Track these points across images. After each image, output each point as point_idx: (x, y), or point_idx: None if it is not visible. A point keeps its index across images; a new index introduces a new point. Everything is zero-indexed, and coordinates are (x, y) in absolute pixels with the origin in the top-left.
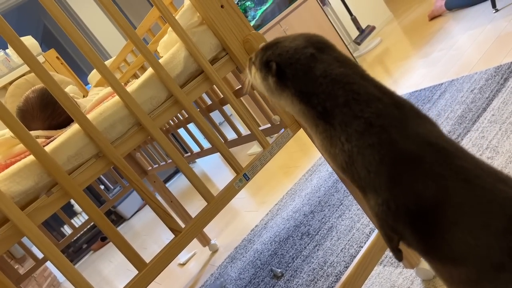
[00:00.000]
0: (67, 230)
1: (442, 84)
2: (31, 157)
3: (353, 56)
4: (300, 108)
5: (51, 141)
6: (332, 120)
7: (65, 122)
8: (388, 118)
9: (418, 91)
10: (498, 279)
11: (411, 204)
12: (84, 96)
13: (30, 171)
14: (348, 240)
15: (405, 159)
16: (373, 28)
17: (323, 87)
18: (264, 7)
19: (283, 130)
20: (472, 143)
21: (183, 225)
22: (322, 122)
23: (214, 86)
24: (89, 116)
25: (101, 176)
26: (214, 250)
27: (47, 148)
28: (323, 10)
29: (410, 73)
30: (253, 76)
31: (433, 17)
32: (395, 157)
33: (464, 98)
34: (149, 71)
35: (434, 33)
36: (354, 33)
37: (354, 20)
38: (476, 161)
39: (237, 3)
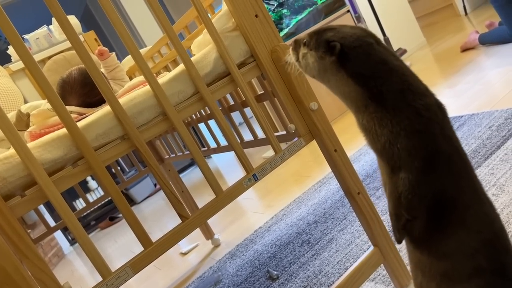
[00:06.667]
0: (78, 205)
1: (462, 116)
2: (63, 130)
3: None
4: (354, 89)
5: (83, 118)
6: (386, 103)
7: (97, 102)
8: (434, 113)
9: None
10: (470, 282)
11: (437, 192)
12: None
13: (61, 142)
14: (346, 254)
15: (442, 153)
16: (405, 51)
17: (381, 73)
18: (299, 17)
19: (296, 138)
20: (481, 178)
21: (190, 214)
22: (374, 104)
23: (238, 88)
24: (121, 101)
25: (119, 158)
26: (216, 245)
27: (79, 124)
28: None
29: None
30: (302, 56)
31: (465, 49)
32: (435, 149)
33: (481, 134)
34: (181, 66)
35: (463, 65)
36: None
37: (387, 41)
38: (478, 179)
39: (274, 10)
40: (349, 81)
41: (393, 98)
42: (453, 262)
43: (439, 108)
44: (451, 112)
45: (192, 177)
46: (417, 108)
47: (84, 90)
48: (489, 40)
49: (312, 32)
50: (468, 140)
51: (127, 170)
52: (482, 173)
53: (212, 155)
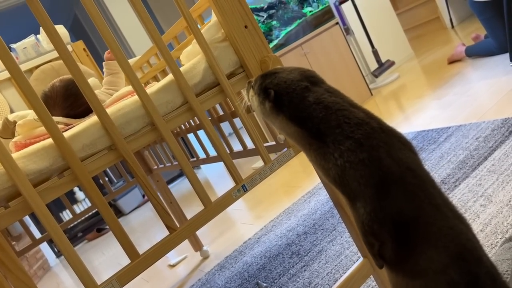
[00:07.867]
0: (65, 216)
1: (450, 127)
2: (49, 140)
3: (368, 87)
4: (295, 130)
5: (69, 128)
6: (325, 139)
7: (82, 113)
8: (376, 139)
9: (426, 131)
10: None
11: (395, 215)
12: None
13: (47, 153)
14: (335, 265)
15: (391, 176)
16: (393, 63)
17: (317, 113)
18: (289, 28)
19: (285, 149)
20: (469, 189)
21: (178, 226)
22: (316, 141)
23: (228, 98)
24: (108, 111)
25: (107, 169)
26: (205, 257)
27: (66, 134)
28: (346, 39)
29: (421, 112)
30: (250, 98)
31: (452, 61)
32: (382, 174)
33: (468, 145)
34: (169, 77)
35: (451, 77)
36: (373, 65)
37: (375, 53)
38: (441, 193)
39: (263, 21)
40: (289, 124)
41: (331, 134)
42: (426, 280)
43: (383, 131)
44: (439, 124)
45: (181, 188)
46: (356, 139)
47: (67, 103)
48: (476, 52)
49: (259, 75)
50: (456, 151)
51: (115, 180)
52: (470, 184)
53: (201, 166)
